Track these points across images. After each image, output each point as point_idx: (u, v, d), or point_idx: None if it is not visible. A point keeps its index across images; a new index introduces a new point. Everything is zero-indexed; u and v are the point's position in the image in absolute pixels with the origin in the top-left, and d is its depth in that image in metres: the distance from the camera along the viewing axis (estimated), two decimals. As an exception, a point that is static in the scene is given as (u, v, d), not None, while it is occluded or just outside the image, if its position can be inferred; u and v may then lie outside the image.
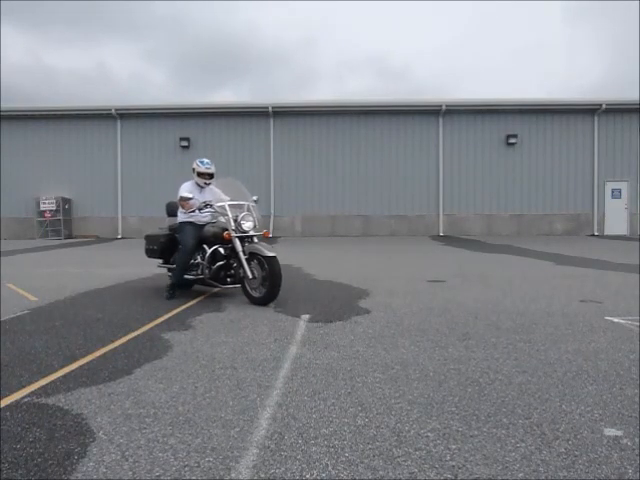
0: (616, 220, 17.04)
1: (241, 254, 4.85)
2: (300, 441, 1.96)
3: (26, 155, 17.76)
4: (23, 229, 17.63)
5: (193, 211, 5.23)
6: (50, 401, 2.40)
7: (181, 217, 5.42)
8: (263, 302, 4.74)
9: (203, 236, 5.25)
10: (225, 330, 3.84)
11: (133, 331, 3.81)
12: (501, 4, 57.97)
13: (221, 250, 5.12)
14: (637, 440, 1.94)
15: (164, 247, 5.73)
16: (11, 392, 2.52)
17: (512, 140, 17.06)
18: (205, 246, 5.25)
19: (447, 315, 4.31)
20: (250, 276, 4.81)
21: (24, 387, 2.60)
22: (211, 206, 5.19)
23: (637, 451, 1.85)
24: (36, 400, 2.42)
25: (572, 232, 17.18)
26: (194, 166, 5.50)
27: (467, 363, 2.96)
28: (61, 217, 17.16)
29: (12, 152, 17.74)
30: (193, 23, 61.95)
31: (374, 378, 2.71)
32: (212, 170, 5.51)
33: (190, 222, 5.33)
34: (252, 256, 4.82)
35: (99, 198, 17.76)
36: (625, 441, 1.93)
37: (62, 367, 2.93)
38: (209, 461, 1.80)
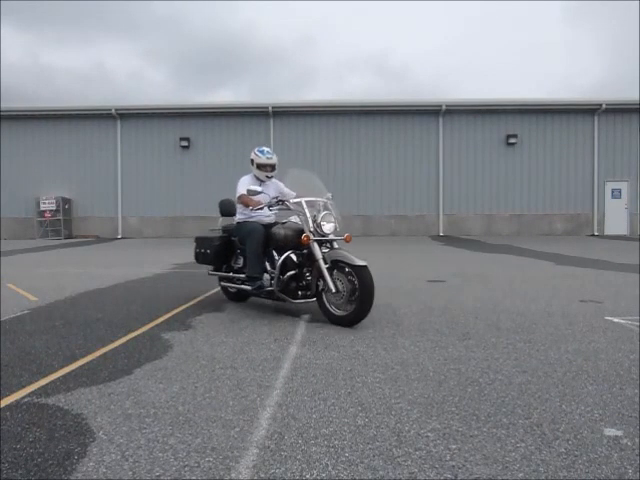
0: (616, 220, 17.05)
1: (321, 262, 3.98)
2: (300, 441, 1.96)
3: (26, 155, 17.77)
4: (23, 229, 17.65)
5: (261, 208, 4.45)
6: (50, 401, 2.40)
7: (241, 216, 4.74)
8: (349, 322, 3.87)
9: (270, 239, 4.40)
10: (225, 330, 3.84)
11: (133, 331, 3.81)
12: (501, 4, 57.99)
13: (293, 257, 4.23)
14: (637, 440, 1.94)
15: (218, 252, 4.91)
16: (11, 392, 2.52)
17: (512, 140, 17.08)
18: (274, 252, 4.38)
19: (447, 315, 4.31)
20: (334, 290, 3.90)
21: (24, 387, 2.60)
22: (282, 202, 4.40)
23: (637, 451, 1.85)
24: (36, 400, 2.42)
25: (572, 232, 17.18)
26: (252, 157, 4.79)
27: (467, 363, 2.96)
28: (61, 217, 17.18)
29: (12, 152, 17.75)
30: (192, 23, 61.99)
31: (374, 378, 2.71)
32: (274, 161, 4.80)
33: (253, 222, 4.59)
34: (334, 265, 3.98)
35: (99, 198, 17.78)
36: (625, 441, 1.93)
37: (62, 367, 2.93)
38: (209, 461, 1.80)
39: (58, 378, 2.74)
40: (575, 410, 2.24)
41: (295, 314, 4.40)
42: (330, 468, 1.74)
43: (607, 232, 17.05)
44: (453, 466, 1.75)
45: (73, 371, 2.86)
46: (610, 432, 2.01)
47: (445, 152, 17.41)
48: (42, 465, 1.78)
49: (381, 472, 1.71)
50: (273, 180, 4.91)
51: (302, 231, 4.19)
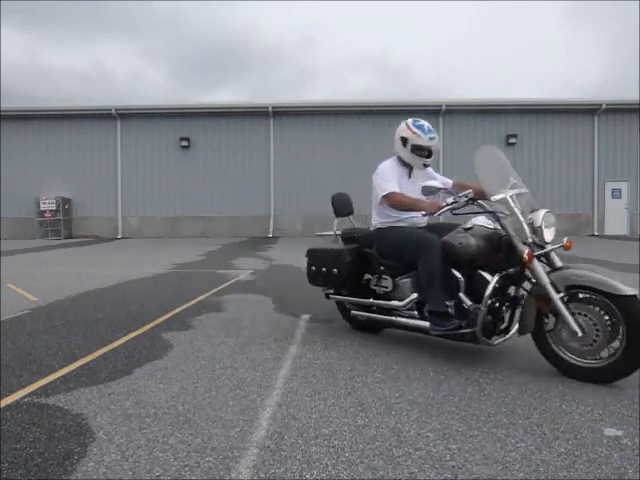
0: (616, 220, 17.05)
1: (549, 288, 2.65)
2: (300, 441, 1.96)
3: (26, 155, 17.77)
4: (23, 229, 17.64)
5: (440, 214, 2.99)
6: (50, 401, 2.40)
7: (383, 218, 3.41)
8: (604, 377, 2.58)
9: (444, 252, 2.98)
10: (225, 330, 3.84)
11: (133, 331, 3.81)
12: (501, 4, 57.97)
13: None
14: (637, 440, 1.94)
15: (352, 270, 3.49)
16: (11, 392, 2.52)
17: (512, 140, 17.07)
18: (456, 272, 2.96)
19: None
20: (579, 333, 2.57)
21: (24, 387, 2.60)
22: (474, 201, 2.96)
23: (637, 451, 1.85)
24: (36, 400, 2.42)
25: (572, 232, 17.16)
26: (405, 134, 3.43)
27: (467, 363, 2.95)
28: (61, 217, 17.18)
29: (12, 152, 17.74)
30: (192, 23, 61.94)
31: (374, 378, 2.71)
32: (436, 142, 3.45)
33: (414, 228, 3.30)
34: (568, 292, 2.67)
35: (99, 198, 17.78)
36: (625, 441, 1.93)
37: (62, 367, 2.93)
38: (209, 461, 1.80)
39: (58, 378, 2.74)
40: (575, 410, 2.25)
41: (295, 314, 4.40)
42: (330, 468, 1.75)
43: (607, 232, 17.05)
44: (453, 466, 1.75)
45: (73, 371, 2.86)
46: (610, 432, 2.01)
47: (445, 152, 17.40)
48: (42, 465, 1.78)
49: (381, 472, 1.71)
50: (428, 170, 3.60)
51: (497, 239, 2.90)
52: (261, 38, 62.52)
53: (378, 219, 3.48)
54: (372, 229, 3.56)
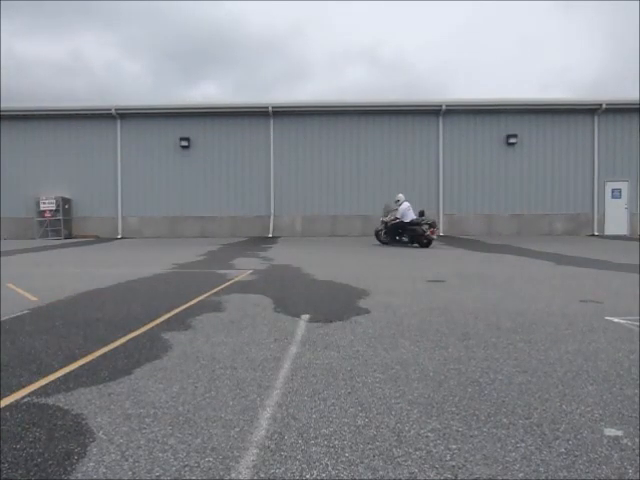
0: (616, 220, 17.06)
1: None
2: (300, 441, 1.96)
3: (26, 155, 17.78)
4: (23, 229, 17.65)
5: None
6: (50, 401, 2.40)
7: None
8: None
9: None
10: (225, 330, 3.84)
11: (133, 331, 3.81)
12: (502, 3, 57.89)
13: None
14: (637, 440, 1.94)
15: None
16: (11, 392, 2.52)
17: (512, 140, 17.10)
18: None
19: (447, 315, 4.31)
20: None
21: (24, 387, 2.60)
22: None
23: (637, 451, 1.85)
24: (36, 400, 2.42)
25: (572, 232, 17.19)
26: None
27: (467, 363, 2.96)
28: (61, 217, 17.19)
29: (12, 152, 17.76)
30: (173, 10, 59.81)
31: (374, 378, 2.71)
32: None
33: None
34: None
35: (99, 198, 17.79)
36: (625, 441, 1.93)
37: (62, 367, 2.93)
38: (209, 461, 1.80)
39: (58, 378, 2.74)
40: (575, 410, 2.24)
41: (295, 314, 4.40)
42: (330, 468, 1.74)
43: (607, 232, 17.06)
44: (453, 466, 1.75)
45: (73, 371, 2.86)
46: (610, 432, 2.01)
47: (445, 152, 17.42)
48: (42, 465, 1.78)
49: (381, 472, 1.71)
50: None
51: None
52: (248, 28, 60.45)
53: None
54: None
